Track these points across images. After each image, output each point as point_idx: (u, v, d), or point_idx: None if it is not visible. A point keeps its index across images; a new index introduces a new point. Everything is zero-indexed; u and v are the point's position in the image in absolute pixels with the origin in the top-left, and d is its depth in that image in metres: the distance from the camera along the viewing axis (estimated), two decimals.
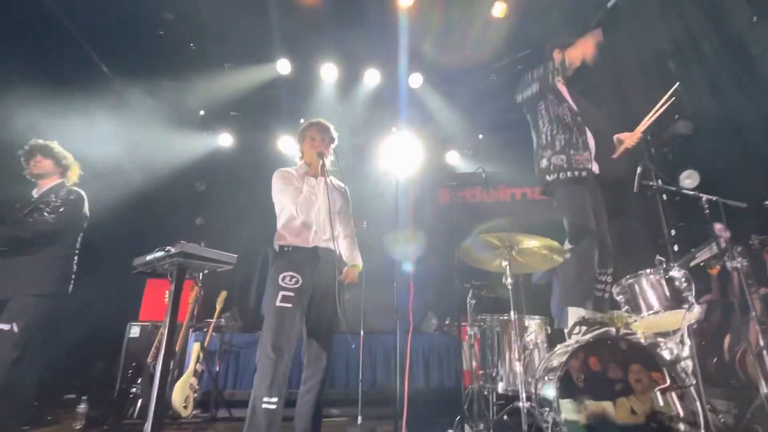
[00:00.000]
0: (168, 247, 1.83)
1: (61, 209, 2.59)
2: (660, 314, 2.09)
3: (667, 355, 2.02)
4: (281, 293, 2.01)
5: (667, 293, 2.08)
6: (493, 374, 2.56)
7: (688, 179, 3.38)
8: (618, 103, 4.40)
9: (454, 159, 6.37)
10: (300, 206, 2.21)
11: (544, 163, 2.61)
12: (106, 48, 4.86)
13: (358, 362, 3.41)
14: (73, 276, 2.70)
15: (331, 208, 2.22)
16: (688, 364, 1.99)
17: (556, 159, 2.53)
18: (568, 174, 2.48)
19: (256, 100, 5.64)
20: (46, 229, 2.50)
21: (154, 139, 5.31)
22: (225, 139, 6.07)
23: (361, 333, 3.21)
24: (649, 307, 2.09)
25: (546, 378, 2.15)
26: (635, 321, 2.18)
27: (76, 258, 2.74)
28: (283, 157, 5.95)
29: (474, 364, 2.93)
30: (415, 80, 5.42)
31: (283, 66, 5.21)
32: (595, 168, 2.57)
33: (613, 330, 2.03)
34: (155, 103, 5.34)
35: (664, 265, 2.12)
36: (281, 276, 2.05)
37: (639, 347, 1.96)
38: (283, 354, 1.92)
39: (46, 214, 2.54)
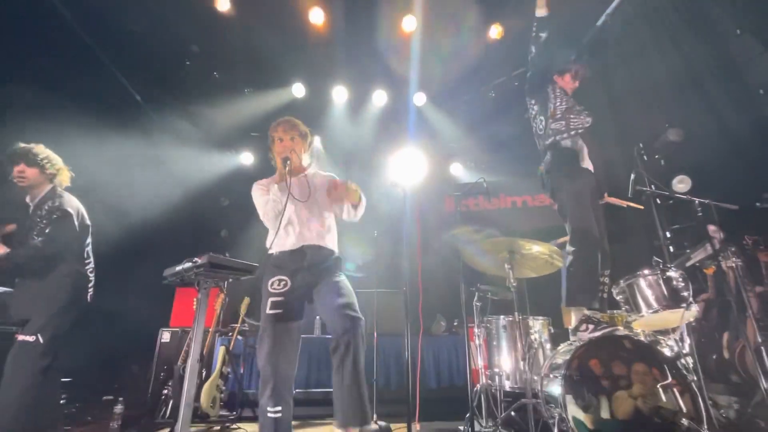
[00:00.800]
0: (195, 259, 1.84)
1: (47, 230, 2.35)
2: (659, 313, 2.04)
3: (667, 352, 1.97)
4: (270, 300, 1.87)
5: (666, 293, 2.03)
6: (500, 372, 2.52)
7: (681, 184, 3.31)
8: (612, 118, 4.37)
9: (458, 170, 6.37)
10: (265, 218, 2.06)
11: (540, 127, 2.61)
12: (139, 79, 5.00)
13: (371, 363, 3.38)
14: (91, 284, 2.54)
15: (299, 207, 2.03)
16: (689, 361, 1.93)
17: (556, 125, 2.52)
18: (564, 135, 2.46)
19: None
20: (35, 254, 2.30)
21: (182, 160, 5.43)
22: (246, 158, 6.17)
23: (375, 335, 3.18)
24: (649, 307, 2.04)
25: (551, 375, 2.10)
26: (635, 320, 2.13)
27: (90, 266, 2.56)
28: None
29: (482, 363, 2.88)
30: (419, 99, 5.45)
31: (298, 89, 5.30)
32: (590, 167, 2.51)
33: (621, 328, 1.97)
34: (183, 127, 5.46)
35: (661, 266, 2.08)
36: (269, 282, 1.92)
37: (642, 345, 1.90)
38: (278, 361, 1.76)
39: (35, 236, 2.34)
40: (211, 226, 6.00)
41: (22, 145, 2.48)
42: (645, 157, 3.74)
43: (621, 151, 4.12)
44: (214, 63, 4.99)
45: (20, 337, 2.22)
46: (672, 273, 2.05)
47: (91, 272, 2.58)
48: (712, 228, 2.77)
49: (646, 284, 2.09)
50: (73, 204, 2.53)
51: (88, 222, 2.62)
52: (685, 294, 1.99)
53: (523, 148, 5.38)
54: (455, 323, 4.25)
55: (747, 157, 3.13)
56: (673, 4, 3.52)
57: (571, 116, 2.49)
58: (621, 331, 2.00)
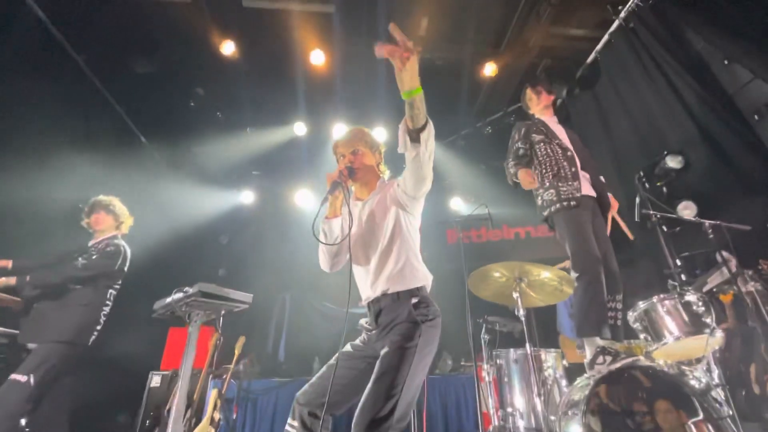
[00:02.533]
0: (186, 288, 1.75)
1: (94, 257, 2.57)
2: (681, 341, 1.90)
3: (695, 384, 1.80)
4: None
5: (686, 318, 1.90)
6: (513, 413, 2.31)
7: (686, 210, 3.25)
8: (609, 148, 4.41)
9: (458, 205, 6.36)
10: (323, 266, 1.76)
11: (538, 201, 2.57)
12: (144, 120, 5.13)
13: None
14: (98, 327, 2.56)
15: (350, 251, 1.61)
16: (719, 393, 1.76)
17: (546, 194, 2.47)
18: (557, 206, 2.39)
19: (275, 160, 5.83)
20: (74, 274, 2.46)
21: (182, 198, 5.43)
22: (247, 197, 6.18)
23: None
24: (670, 334, 1.91)
25: (569, 413, 1.92)
26: (656, 349, 1.98)
27: (106, 309, 2.63)
28: (299, 211, 6.02)
29: (492, 404, 2.67)
30: None
31: (300, 128, 5.41)
32: (590, 192, 2.46)
33: (641, 358, 1.81)
34: (184, 165, 5.52)
35: (678, 290, 1.97)
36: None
37: (667, 377, 1.75)
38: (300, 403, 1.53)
39: (79, 259, 2.52)
40: (210, 265, 5.89)
41: (102, 197, 2.89)
42: (647, 185, 3.71)
43: (620, 180, 4.11)
44: (218, 103, 5.14)
45: (12, 377, 2.16)
46: (690, 297, 1.94)
47: (104, 315, 2.64)
48: (725, 254, 2.68)
49: (664, 310, 1.96)
50: (126, 247, 2.84)
51: (126, 268, 2.83)
52: (707, 319, 1.87)
53: None
54: (462, 361, 4.02)
55: (750, 181, 3.09)
56: (659, 39, 3.66)
57: (559, 183, 2.44)
58: (642, 361, 1.85)
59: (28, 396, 2.12)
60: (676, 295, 1.95)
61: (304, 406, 1.50)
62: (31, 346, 2.28)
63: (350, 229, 1.60)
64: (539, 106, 2.81)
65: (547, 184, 2.48)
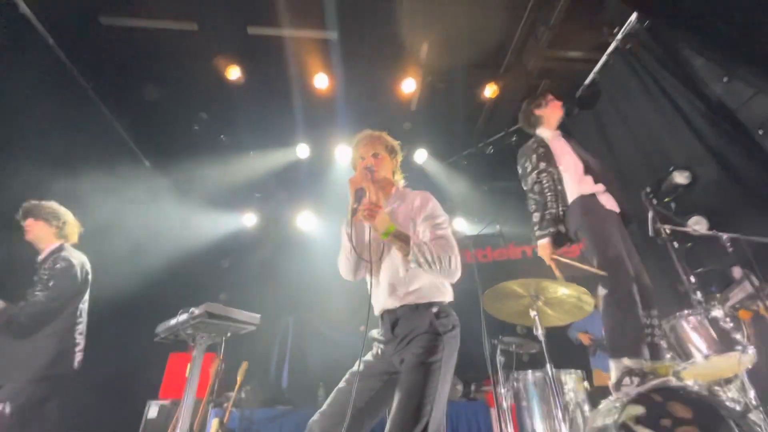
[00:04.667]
0: (192, 309, 1.66)
1: (50, 283, 2.27)
2: (711, 359, 1.79)
3: (732, 406, 1.69)
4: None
5: (714, 335, 1.81)
6: None
7: (697, 225, 3.20)
8: (612, 166, 4.41)
9: (462, 225, 6.31)
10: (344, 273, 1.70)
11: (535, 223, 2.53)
12: (150, 145, 5.16)
13: None
14: (78, 347, 2.32)
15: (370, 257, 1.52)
16: (759, 416, 1.64)
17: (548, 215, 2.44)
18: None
19: (278, 183, 5.81)
20: (38, 310, 2.19)
21: (186, 221, 5.37)
22: (249, 219, 6.12)
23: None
24: (698, 352, 1.81)
25: None
26: (685, 368, 1.87)
27: (80, 327, 2.38)
28: (302, 234, 5.95)
29: (508, 431, 2.51)
30: (420, 156, 5.56)
31: (302, 150, 5.42)
32: (612, 205, 2.40)
33: (672, 379, 1.71)
34: (189, 189, 5.49)
35: (704, 305, 1.88)
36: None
37: (700, 399, 1.63)
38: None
39: (38, 293, 2.24)
40: (210, 289, 5.75)
41: (32, 201, 2.56)
42: (654, 201, 3.67)
43: (625, 198, 4.08)
44: (222, 127, 5.17)
45: None
46: (717, 312, 1.85)
47: (80, 334, 2.39)
48: (741, 269, 2.60)
49: (689, 327, 1.87)
50: (77, 256, 2.48)
51: (89, 278, 2.52)
52: (737, 336, 1.77)
53: (524, 197, 5.38)
54: (472, 387, 3.84)
55: (760, 195, 3.06)
56: (657, 59, 3.72)
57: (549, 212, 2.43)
58: (673, 382, 1.74)
59: (8, 427, 1.95)
60: (701, 311, 1.86)
61: None
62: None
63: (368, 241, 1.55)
64: (554, 117, 2.78)
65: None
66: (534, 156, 2.60)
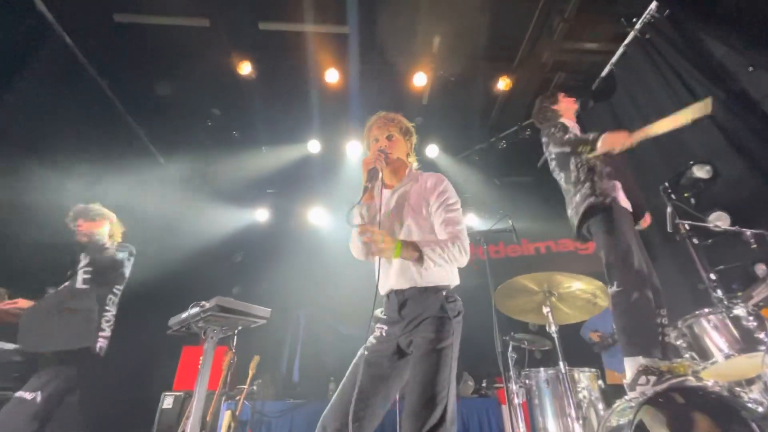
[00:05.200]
0: (203, 303, 1.67)
1: (98, 265, 2.50)
2: (732, 359, 1.73)
3: (754, 407, 1.63)
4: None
5: (737, 334, 1.74)
6: None
7: (718, 221, 3.08)
8: (628, 160, 4.28)
9: (473, 221, 6.24)
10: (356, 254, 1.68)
11: (570, 208, 2.42)
12: (164, 141, 5.22)
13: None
14: (103, 332, 2.45)
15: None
16: None
17: (584, 189, 2.30)
18: (591, 200, 2.24)
19: (290, 178, 5.83)
20: (107, 262, 2.48)
21: (199, 216, 5.44)
22: (261, 215, 6.16)
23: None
24: (719, 352, 1.74)
25: None
26: (704, 368, 1.81)
27: (107, 315, 2.52)
28: (313, 229, 5.98)
29: (520, 428, 2.47)
30: (432, 151, 5.51)
31: (314, 146, 5.42)
32: (626, 205, 2.34)
33: (691, 378, 1.65)
34: (201, 185, 5.55)
35: (726, 302, 1.81)
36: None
37: (720, 399, 1.58)
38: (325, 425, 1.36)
39: (80, 278, 2.43)
40: (224, 283, 5.83)
41: (79, 205, 2.75)
42: (673, 196, 3.56)
43: (643, 194, 3.96)
44: (234, 123, 5.20)
45: (18, 394, 2.08)
46: (739, 311, 1.78)
47: (106, 322, 2.51)
48: (761, 266, 2.50)
49: (710, 326, 1.80)
50: (119, 253, 2.69)
51: (127, 275, 2.72)
52: (761, 335, 1.70)
53: (540, 193, 5.28)
54: (484, 383, 3.81)
55: None
56: (678, 49, 3.59)
57: (595, 178, 2.30)
58: (691, 382, 1.68)
59: (35, 414, 2.03)
60: (723, 309, 1.79)
61: (336, 429, 1.34)
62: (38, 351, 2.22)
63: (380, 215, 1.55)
64: (570, 110, 2.72)
65: (583, 177, 2.33)
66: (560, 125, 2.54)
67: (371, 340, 1.54)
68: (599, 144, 2.18)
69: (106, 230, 2.72)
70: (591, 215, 2.23)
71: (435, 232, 1.57)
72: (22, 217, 3.42)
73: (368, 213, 1.60)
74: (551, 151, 2.60)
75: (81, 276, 2.42)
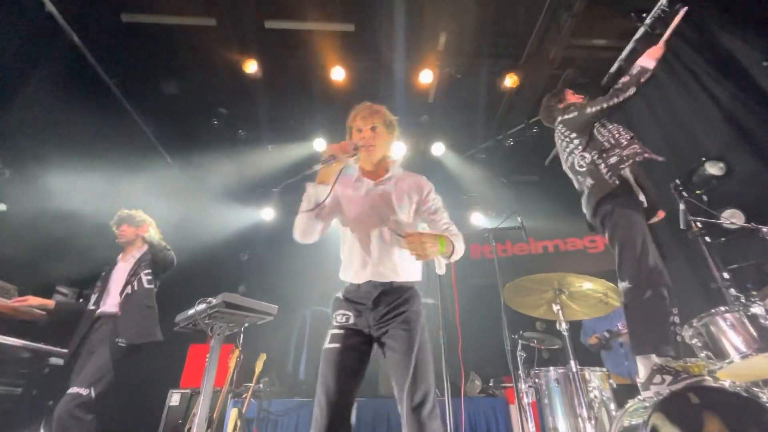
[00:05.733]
0: (210, 299, 1.66)
1: (158, 272, 2.74)
2: (750, 358, 1.68)
3: None
4: (330, 332, 1.56)
5: (754, 333, 1.69)
6: None
7: (733, 218, 3.02)
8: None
9: (479, 220, 6.19)
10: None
11: (613, 160, 2.20)
12: (171, 140, 5.24)
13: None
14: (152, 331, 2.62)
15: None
16: None
17: (629, 151, 2.17)
18: (645, 155, 2.15)
19: (296, 177, 5.82)
20: (150, 292, 2.64)
21: (205, 215, 5.46)
22: (267, 213, 6.16)
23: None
24: (736, 351, 1.69)
25: None
26: (720, 368, 1.76)
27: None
28: None
29: (529, 428, 2.43)
30: (438, 149, 5.47)
31: (319, 144, 5.40)
32: (642, 199, 2.28)
33: (708, 378, 1.60)
34: (207, 184, 5.56)
35: (743, 301, 1.76)
36: (334, 315, 1.62)
37: (739, 400, 1.53)
38: (322, 401, 1.41)
39: (145, 279, 2.63)
40: (230, 281, 5.84)
41: (124, 211, 2.93)
42: (684, 194, 3.49)
43: (655, 190, 3.90)
44: (240, 122, 5.20)
45: (73, 390, 2.15)
46: (757, 309, 1.73)
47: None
48: None
49: (727, 324, 1.75)
50: (170, 256, 2.92)
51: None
52: None
53: (548, 192, 5.23)
54: (491, 383, 3.77)
55: None
56: (689, 43, 3.53)
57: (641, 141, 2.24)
58: (709, 381, 1.63)
59: (91, 409, 2.13)
60: (740, 307, 1.74)
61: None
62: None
63: (326, 199, 1.63)
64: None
65: (625, 142, 2.21)
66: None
67: (337, 331, 1.55)
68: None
69: (153, 233, 2.89)
70: (604, 204, 2.17)
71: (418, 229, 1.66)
72: (30, 216, 3.44)
73: (317, 193, 1.63)
74: (571, 138, 2.48)
75: (144, 277, 2.60)
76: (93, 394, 2.14)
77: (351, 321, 1.55)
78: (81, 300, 2.85)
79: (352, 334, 1.53)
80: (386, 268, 1.56)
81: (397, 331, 1.45)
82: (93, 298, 2.61)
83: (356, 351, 1.50)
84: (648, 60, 2.24)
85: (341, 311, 1.58)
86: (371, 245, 1.59)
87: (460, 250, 1.55)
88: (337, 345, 1.49)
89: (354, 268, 1.61)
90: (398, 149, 5.34)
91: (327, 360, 1.46)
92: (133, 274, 2.61)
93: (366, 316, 1.54)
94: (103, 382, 2.20)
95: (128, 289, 2.54)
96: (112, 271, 2.73)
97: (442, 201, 1.72)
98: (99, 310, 2.53)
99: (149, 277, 2.64)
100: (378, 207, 1.64)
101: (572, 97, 2.72)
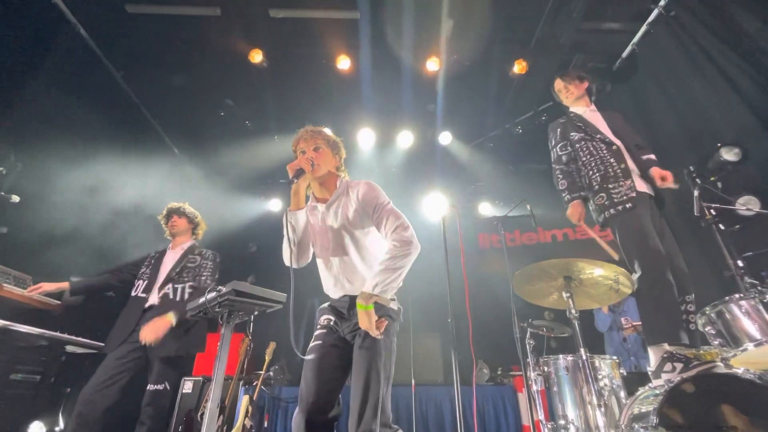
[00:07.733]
0: (220, 288, 1.68)
1: (215, 274, 2.78)
2: (764, 346, 1.65)
3: None
4: (314, 333, 1.73)
5: None
6: (567, 425, 2.09)
7: (749, 205, 2.96)
8: (651, 144, 4.14)
9: (486, 209, 6.15)
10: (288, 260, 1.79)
11: (591, 206, 2.38)
12: (178, 132, 5.26)
13: (410, 416, 2.98)
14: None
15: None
16: None
17: (597, 199, 2.26)
18: (612, 211, 2.19)
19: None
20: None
21: (213, 206, 5.48)
22: (275, 204, 6.18)
23: (413, 383, 2.82)
24: (751, 339, 1.67)
25: (636, 427, 1.70)
26: (734, 356, 1.74)
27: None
28: None
29: (538, 416, 2.44)
30: (445, 138, 5.42)
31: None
32: (645, 188, 2.25)
33: (720, 365, 1.58)
34: (215, 175, 5.59)
35: (759, 288, 1.73)
36: (319, 320, 1.77)
37: (752, 387, 1.51)
38: (302, 400, 1.55)
39: (206, 281, 2.69)
40: (238, 272, 5.90)
41: (173, 204, 3.01)
42: (698, 180, 3.42)
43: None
44: (247, 113, 5.19)
45: (153, 387, 2.34)
46: None
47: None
48: None
49: (741, 311, 1.72)
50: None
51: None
52: None
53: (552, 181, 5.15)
54: (499, 371, 3.78)
55: None
56: (706, 24, 3.42)
57: (609, 185, 2.22)
58: (721, 368, 1.62)
59: (169, 402, 2.35)
60: (756, 294, 1.71)
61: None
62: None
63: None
64: (572, 97, 2.64)
65: (597, 187, 2.28)
66: (559, 130, 2.52)
67: (321, 332, 1.71)
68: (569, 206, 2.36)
69: (194, 229, 2.95)
70: (610, 222, 2.20)
71: (377, 239, 1.71)
72: (42, 208, 3.49)
73: (297, 220, 1.72)
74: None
75: (206, 278, 2.67)
76: (168, 387, 2.37)
77: (332, 323, 1.70)
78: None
79: (333, 332, 1.68)
80: (353, 284, 1.69)
81: (360, 351, 1.53)
82: (140, 285, 2.63)
83: (337, 347, 1.64)
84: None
85: (326, 315, 1.74)
86: (336, 268, 1.73)
87: (393, 280, 1.54)
88: (318, 342, 1.66)
89: (328, 286, 1.80)
90: (404, 139, 5.30)
91: (308, 359, 1.63)
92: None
93: (344, 324, 1.68)
94: (174, 376, 2.46)
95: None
96: (163, 259, 2.78)
97: (383, 198, 1.72)
98: (149, 302, 2.57)
99: (204, 278, 2.74)
100: (335, 235, 1.72)
101: (576, 88, 2.68)
